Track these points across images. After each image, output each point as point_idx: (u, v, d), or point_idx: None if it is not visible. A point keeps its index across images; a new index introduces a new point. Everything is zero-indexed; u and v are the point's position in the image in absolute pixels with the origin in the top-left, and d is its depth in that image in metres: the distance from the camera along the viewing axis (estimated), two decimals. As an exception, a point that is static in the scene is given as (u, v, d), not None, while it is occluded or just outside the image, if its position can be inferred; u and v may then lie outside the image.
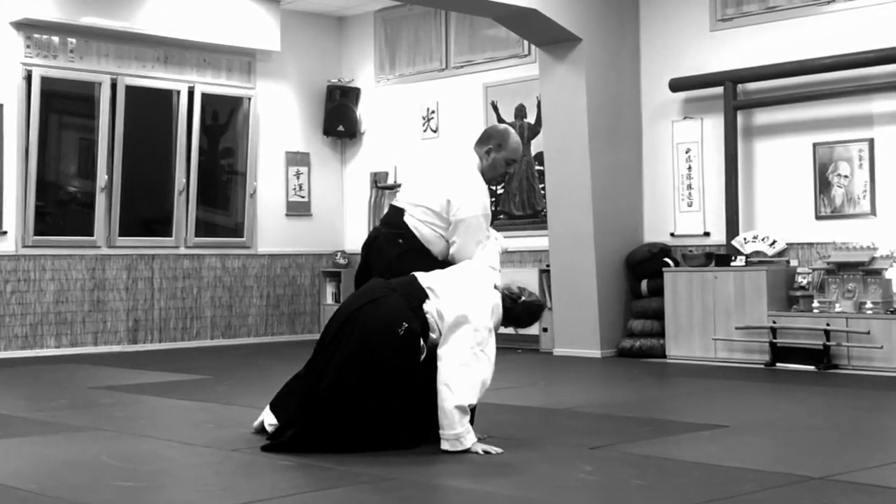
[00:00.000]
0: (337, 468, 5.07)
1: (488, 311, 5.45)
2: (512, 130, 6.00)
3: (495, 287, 5.61)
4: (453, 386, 5.28)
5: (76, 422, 6.65)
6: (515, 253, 11.57)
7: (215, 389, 8.36)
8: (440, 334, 5.39)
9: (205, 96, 12.59)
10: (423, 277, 5.53)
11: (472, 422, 5.43)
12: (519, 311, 5.65)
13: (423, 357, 5.37)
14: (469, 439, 5.32)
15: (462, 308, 5.39)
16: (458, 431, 5.30)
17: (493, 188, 10.79)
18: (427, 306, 5.41)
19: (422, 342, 5.37)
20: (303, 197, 13.46)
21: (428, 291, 5.45)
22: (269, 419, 5.83)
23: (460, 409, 5.29)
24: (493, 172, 5.92)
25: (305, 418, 5.44)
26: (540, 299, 5.85)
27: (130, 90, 11.98)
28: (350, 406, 5.35)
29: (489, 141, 5.91)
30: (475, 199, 5.77)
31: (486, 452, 5.31)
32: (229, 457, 5.43)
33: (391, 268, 5.70)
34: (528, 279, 10.89)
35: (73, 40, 11.63)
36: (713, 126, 10.55)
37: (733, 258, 9.96)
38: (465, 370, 5.31)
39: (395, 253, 5.79)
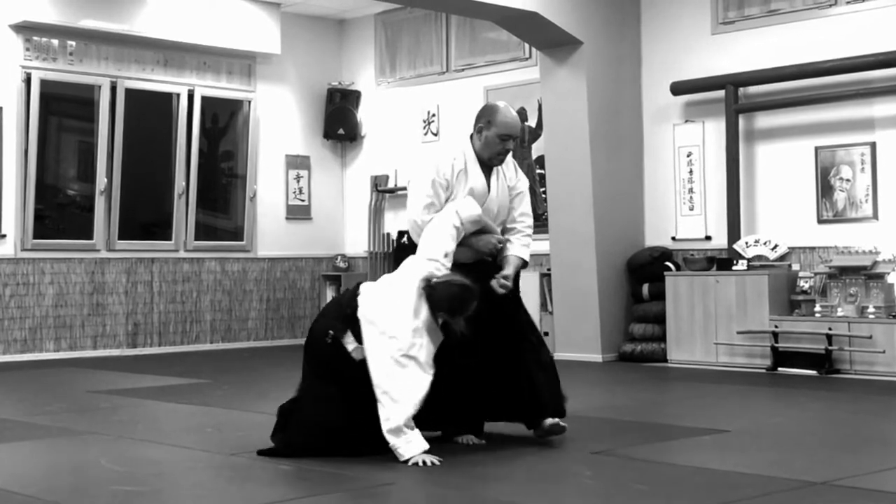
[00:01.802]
0: (335, 473, 5.05)
1: (407, 314, 5.30)
2: (503, 105, 5.88)
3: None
4: (383, 405, 5.23)
5: (75, 426, 6.64)
6: (516, 257, 11.54)
7: (214, 393, 8.34)
8: None
9: (205, 99, 12.57)
10: (364, 285, 5.54)
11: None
12: (437, 296, 5.36)
13: (360, 358, 5.32)
14: (405, 451, 5.20)
15: (378, 316, 5.33)
16: (392, 443, 5.23)
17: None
18: (359, 313, 5.37)
19: (353, 346, 5.34)
20: (303, 200, 13.44)
21: (359, 299, 5.41)
22: None
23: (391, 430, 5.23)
24: (488, 151, 5.78)
25: (287, 426, 5.53)
26: (462, 280, 5.40)
27: (130, 93, 11.96)
28: (320, 415, 5.41)
29: (480, 119, 5.85)
30: (423, 162, 5.81)
31: (425, 464, 5.18)
32: (228, 461, 5.42)
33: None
34: (529, 283, 10.85)
35: (73, 43, 11.61)
36: (714, 129, 10.53)
37: (735, 262, 9.93)
38: (391, 382, 5.22)
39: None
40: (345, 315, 5.42)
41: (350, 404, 5.35)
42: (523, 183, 5.99)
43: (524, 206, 5.95)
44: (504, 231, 5.88)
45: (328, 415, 5.39)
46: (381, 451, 5.29)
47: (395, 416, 5.19)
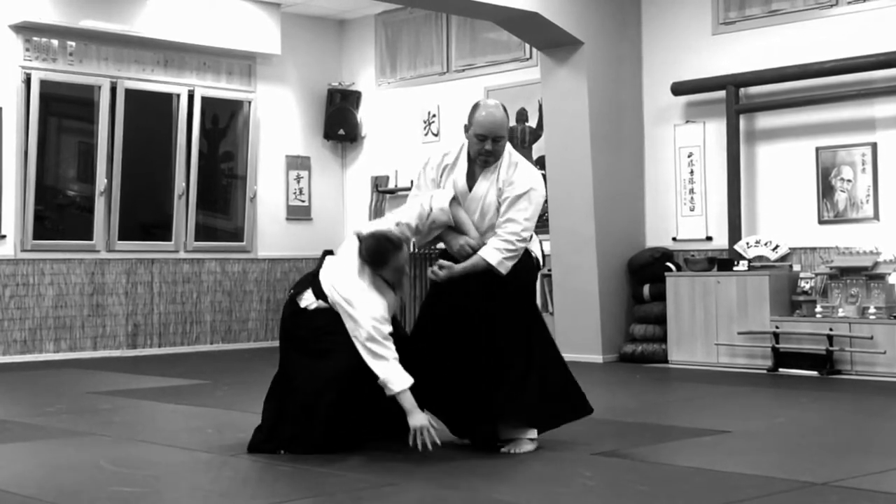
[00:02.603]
0: (336, 474, 5.05)
1: (353, 275, 5.48)
2: (483, 104, 5.72)
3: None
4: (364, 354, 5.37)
5: (75, 427, 6.63)
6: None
7: (215, 394, 8.34)
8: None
9: (205, 100, 12.55)
10: (329, 256, 5.82)
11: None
12: (361, 248, 5.49)
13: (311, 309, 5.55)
14: (393, 386, 5.32)
15: (335, 278, 5.54)
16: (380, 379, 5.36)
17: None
18: (321, 275, 5.60)
19: (307, 302, 5.55)
20: (303, 201, 13.43)
21: (324, 263, 5.68)
22: None
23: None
24: (472, 150, 5.69)
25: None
26: (383, 233, 5.49)
27: (130, 94, 11.95)
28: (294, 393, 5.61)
29: (467, 118, 5.79)
30: None
31: (425, 447, 5.31)
32: (228, 462, 5.41)
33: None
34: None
35: (73, 43, 11.60)
36: (715, 130, 10.52)
37: (736, 263, 9.92)
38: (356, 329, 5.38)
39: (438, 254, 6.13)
40: (309, 278, 5.66)
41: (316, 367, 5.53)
42: (518, 187, 5.64)
43: (512, 211, 5.61)
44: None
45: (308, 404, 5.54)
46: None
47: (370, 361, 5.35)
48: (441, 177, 5.75)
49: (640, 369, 9.94)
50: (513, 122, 11.81)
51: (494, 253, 5.57)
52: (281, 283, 13.16)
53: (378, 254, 5.47)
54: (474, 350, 5.61)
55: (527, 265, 5.74)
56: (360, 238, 5.52)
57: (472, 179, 5.71)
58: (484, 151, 5.62)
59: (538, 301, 10.99)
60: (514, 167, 5.71)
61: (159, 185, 12.40)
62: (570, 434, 5.94)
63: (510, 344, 5.64)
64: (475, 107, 5.71)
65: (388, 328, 5.39)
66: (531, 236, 5.70)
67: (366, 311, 5.37)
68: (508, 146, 5.75)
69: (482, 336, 5.61)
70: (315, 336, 5.53)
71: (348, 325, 5.41)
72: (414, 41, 13.01)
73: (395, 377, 5.31)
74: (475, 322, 5.62)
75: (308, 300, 5.57)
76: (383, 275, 5.54)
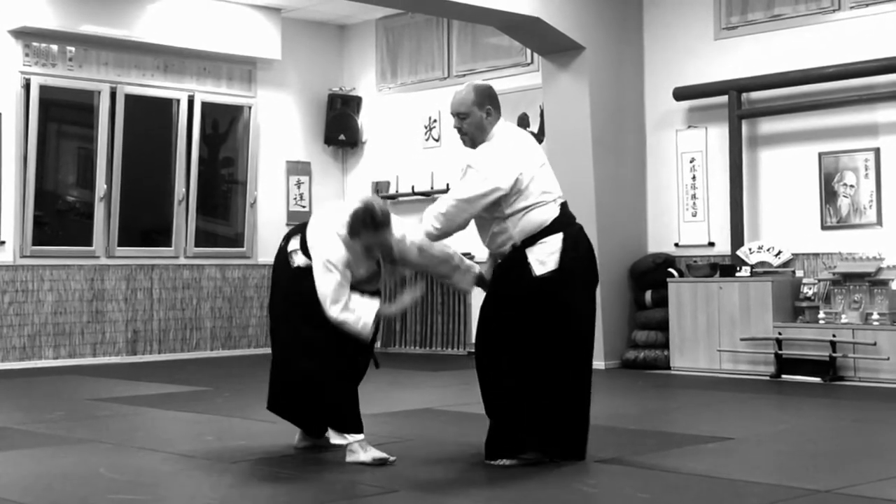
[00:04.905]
0: (337, 479, 5.03)
1: (331, 232, 5.49)
2: (463, 87, 5.66)
3: None
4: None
5: (74, 434, 6.61)
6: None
7: (215, 401, 8.31)
8: None
9: (205, 105, 12.54)
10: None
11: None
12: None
13: (295, 265, 5.58)
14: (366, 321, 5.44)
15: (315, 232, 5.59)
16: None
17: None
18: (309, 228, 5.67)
19: (293, 254, 5.60)
20: (304, 206, 13.40)
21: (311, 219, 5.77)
22: None
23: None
24: None
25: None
26: (376, 211, 5.37)
27: (130, 99, 11.93)
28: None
29: None
30: None
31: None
32: (228, 469, 5.40)
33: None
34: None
35: (73, 48, 11.58)
36: (718, 135, 10.50)
37: (738, 269, 9.89)
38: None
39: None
40: (300, 227, 5.72)
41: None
42: (462, 164, 5.50)
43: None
44: None
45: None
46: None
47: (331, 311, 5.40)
48: None
49: (643, 376, 9.91)
50: (514, 128, 11.79)
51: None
52: (281, 289, 13.12)
53: (355, 222, 5.39)
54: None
55: (516, 281, 5.48)
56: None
57: None
58: (456, 129, 5.63)
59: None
60: (473, 153, 5.54)
61: (159, 190, 12.38)
62: (572, 441, 5.91)
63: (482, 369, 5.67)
64: None
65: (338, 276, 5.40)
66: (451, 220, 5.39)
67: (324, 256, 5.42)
68: (502, 129, 5.57)
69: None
70: (300, 305, 5.52)
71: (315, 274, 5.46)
72: (415, 46, 13.00)
73: (361, 316, 5.40)
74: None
75: (300, 259, 5.55)
76: (354, 244, 5.46)
